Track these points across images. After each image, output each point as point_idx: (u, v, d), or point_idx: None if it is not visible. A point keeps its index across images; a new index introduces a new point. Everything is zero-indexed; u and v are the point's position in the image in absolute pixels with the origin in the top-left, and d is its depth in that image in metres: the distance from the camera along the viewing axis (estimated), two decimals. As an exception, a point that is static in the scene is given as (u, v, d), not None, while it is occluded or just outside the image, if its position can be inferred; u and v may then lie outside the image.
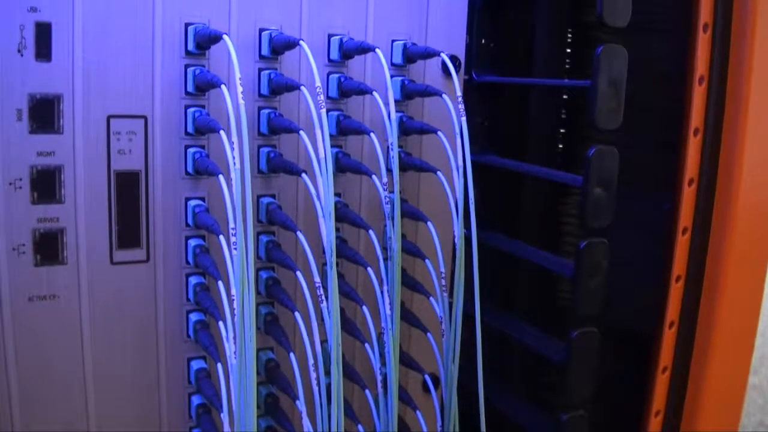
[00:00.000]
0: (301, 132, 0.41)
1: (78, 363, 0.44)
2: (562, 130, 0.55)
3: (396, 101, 0.48)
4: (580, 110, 0.53)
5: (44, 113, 0.41)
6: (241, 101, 0.37)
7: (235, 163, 0.37)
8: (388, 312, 0.43)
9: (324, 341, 0.42)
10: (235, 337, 0.38)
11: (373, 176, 0.44)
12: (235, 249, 0.37)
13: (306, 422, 0.42)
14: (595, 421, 0.48)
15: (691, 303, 0.51)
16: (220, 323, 0.41)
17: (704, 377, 0.51)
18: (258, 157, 0.46)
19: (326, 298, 0.40)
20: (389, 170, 0.44)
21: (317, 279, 0.40)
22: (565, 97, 0.54)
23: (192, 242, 0.45)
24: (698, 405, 0.51)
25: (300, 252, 0.48)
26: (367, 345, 0.45)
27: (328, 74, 0.47)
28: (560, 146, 0.54)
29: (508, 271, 0.56)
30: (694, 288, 0.51)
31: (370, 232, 0.44)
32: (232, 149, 0.37)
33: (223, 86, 0.39)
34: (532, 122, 0.53)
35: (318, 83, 0.40)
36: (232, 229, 0.37)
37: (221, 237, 0.40)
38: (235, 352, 0.38)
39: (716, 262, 0.50)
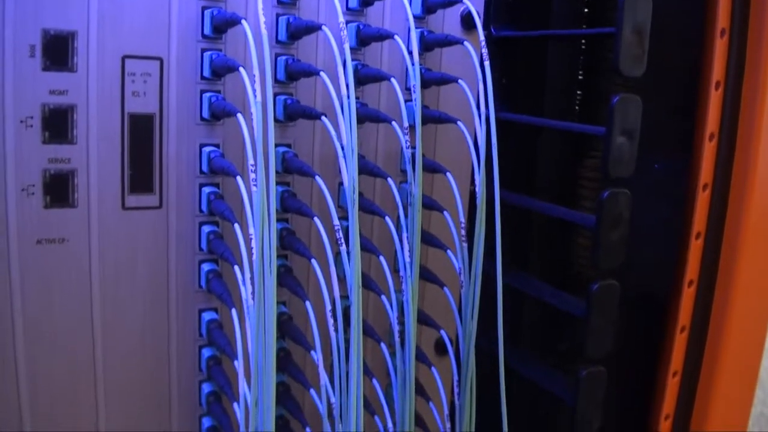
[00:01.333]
0: (322, 73, 0.40)
1: (86, 310, 0.43)
2: (579, 92, 0.54)
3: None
4: (600, 63, 0.52)
5: (58, 50, 0.40)
6: (264, 30, 0.36)
7: (255, 96, 0.36)
8: (408, 260, 0.42)
9: (343, 296, 0.41)
10: (252, 279, 0.37)
11: (393, 122, 0.43)
12: (255, 185, 0.36)
13: (322, 374, 0.40)
14: (614, 379, 0.47)
15: (709, 262, 0.50)
16: (236, 267, 0.40)
17: (722, 338, 0.50)
18: (274, 105, 0.45)
19: (346, 242, 0.39)
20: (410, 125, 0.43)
21: (336, 222, 0.39)
22: (583, 49, 0.53)
23: (206, 189, 0.44)
24: (716, 366, 0.51)
25: (315, 202, 0.47)
26: (383, 297, 0.44)
27: (347, 22, 0.46)
28: (579, 103, 0.53)
29: (525, 231, 0.55)
30: (713, 247, 0.51)
31: (389, 180, 0.43)
32: (253, 83, 0.36)
33: (243, 21, 0.38)
34: (552, 78, 0.52)
35: (341, 19, 0.39)
36: (252, 165, 0.36)
37: (238, 178, 0.39)
38: (252, 293, 0.37)
39: (735, 222, 0.50)
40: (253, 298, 0.37)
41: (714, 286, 0.52)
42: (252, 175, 0.36)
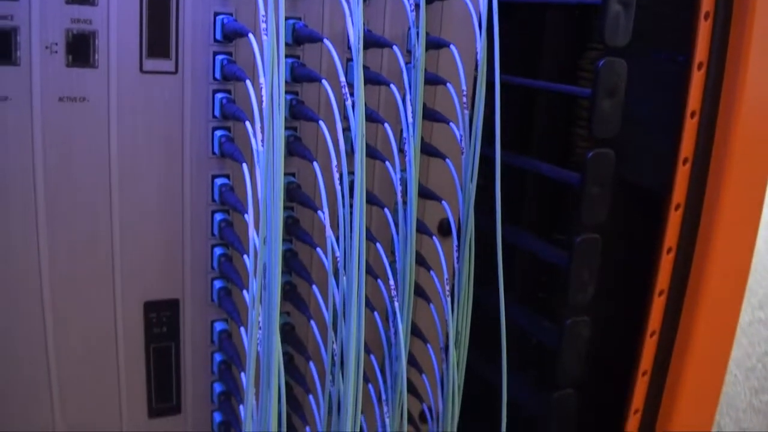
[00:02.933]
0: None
1: (104, 169, 0.45)
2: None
3: None
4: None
5: None
6: None
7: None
8: (411, 127, 0.44)
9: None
10: (262, 127, 0.39)
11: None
12: (265, 34, 0.38)
13: (329, 233, 0.43)
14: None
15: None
16: (247, 123, 0.42)
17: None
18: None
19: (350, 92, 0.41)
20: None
21: (342, 79, 0.41)
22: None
23: (219, 57, 0.46)
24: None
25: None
26: (387, 163, 0.46)
27: None
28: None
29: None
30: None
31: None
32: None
33: None
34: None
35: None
36: (263, 16, 0.38)
37: (250, 35, 0.41)
38: (262, 141, 0.39)
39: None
40: (262, 145, 0.39)
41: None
42: (263, 25, 0.38)
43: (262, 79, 0.39)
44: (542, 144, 0.56)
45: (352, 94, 0.41)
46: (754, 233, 0.52)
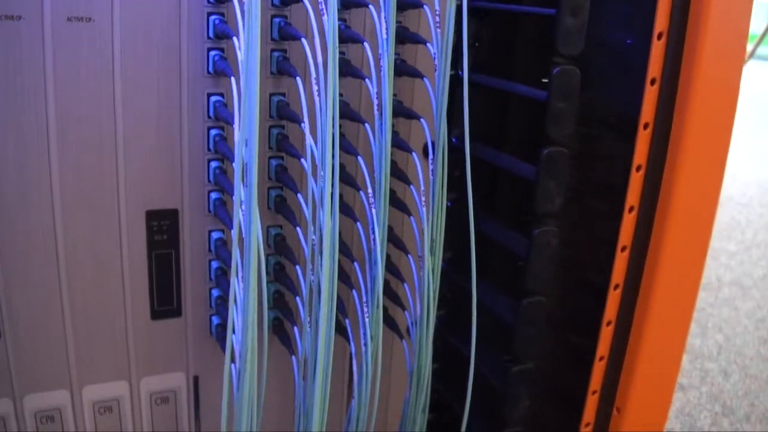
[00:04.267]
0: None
1: (108, 83, 0.49)
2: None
3: None
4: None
5: None
6: None
7: None
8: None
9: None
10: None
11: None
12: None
13: (312, 144, 0.46)
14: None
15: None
16: (234, 39, 0.45)
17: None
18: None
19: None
20: None
21: None
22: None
23: (213, -18, 0.50)
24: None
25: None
26: (367, 80, 0.49)
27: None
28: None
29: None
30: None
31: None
32: None
33: None
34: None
35: None
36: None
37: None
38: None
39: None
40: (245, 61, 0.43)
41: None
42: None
43: (245, -4, 0.42)
44: (523, 67, 0.59)
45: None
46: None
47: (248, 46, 0.42)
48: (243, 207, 0.42)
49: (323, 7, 0.44)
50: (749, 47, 4.53)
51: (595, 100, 0.54)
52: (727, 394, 1.24)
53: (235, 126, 0.44)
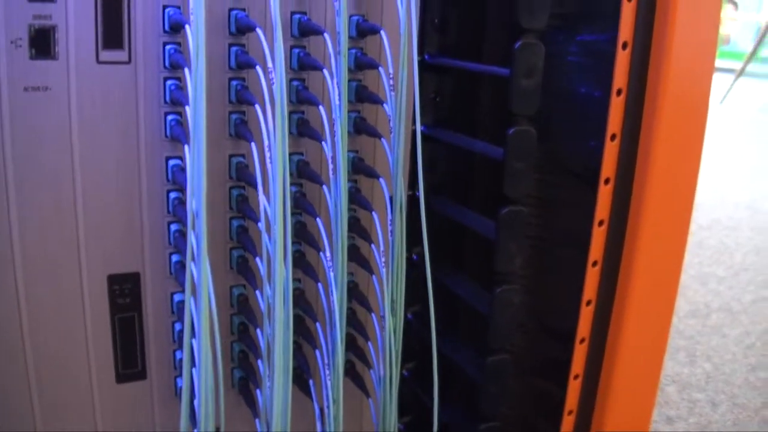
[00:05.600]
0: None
1: (67, 151, 0.49)
2: None
3: None
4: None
5: None
6: None
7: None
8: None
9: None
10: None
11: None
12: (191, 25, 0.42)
13: (266, 205, 0.46)
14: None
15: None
16: (186, 107, 0.46)
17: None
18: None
19: None
20: None
21: None
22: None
23: (168, 47, 0.50)
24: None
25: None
26: (323, 142, 0.49)
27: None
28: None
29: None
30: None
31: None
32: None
33: None
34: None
35: None
36: (191, 9, 0.42)
37: (187, 26, 0.45)
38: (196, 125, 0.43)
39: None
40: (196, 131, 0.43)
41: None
42: (191, 17, 0.42)
43: (197, 66, 0.42)
44: (484, 122, 0.59)
45: (291, 80, 0.44)
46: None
47: (195, 112, 0.43)
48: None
49: (272, 75, 0.45)
50: (739, 65, 4.58)
51: (558, 151, 0.54)
52: (716, 425, 1.23)
53: (188, 192, 0.44)
